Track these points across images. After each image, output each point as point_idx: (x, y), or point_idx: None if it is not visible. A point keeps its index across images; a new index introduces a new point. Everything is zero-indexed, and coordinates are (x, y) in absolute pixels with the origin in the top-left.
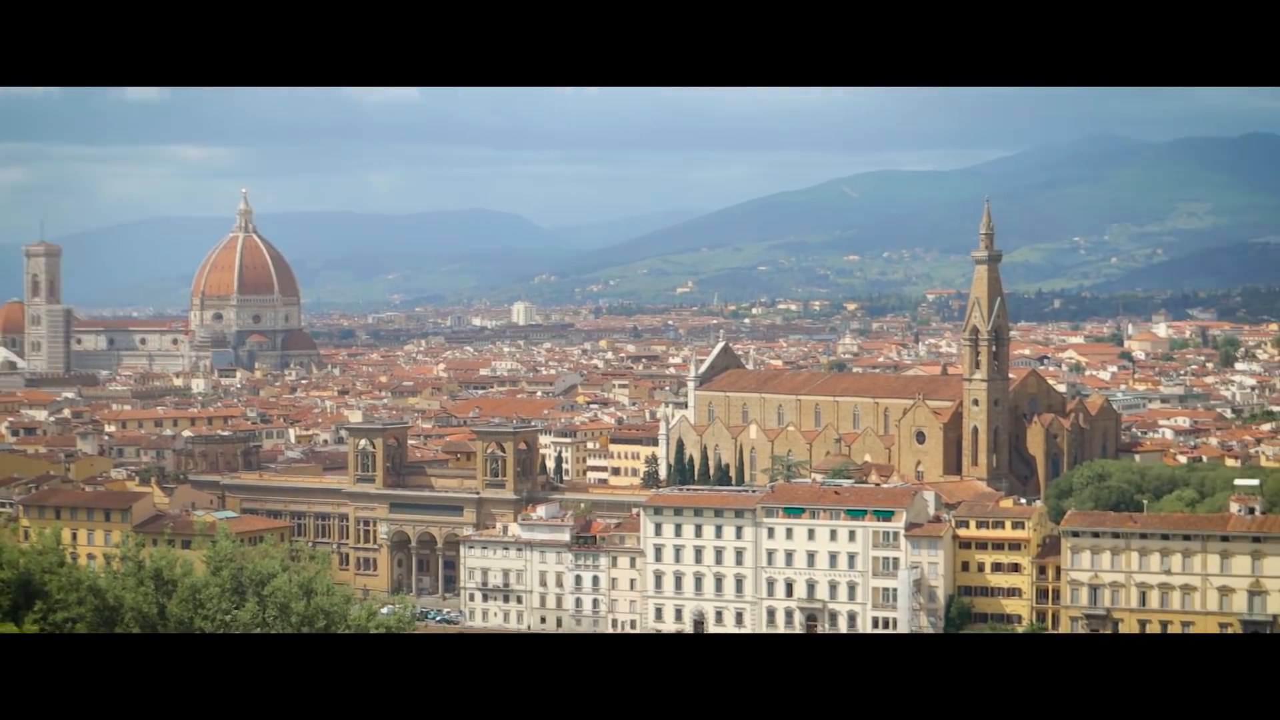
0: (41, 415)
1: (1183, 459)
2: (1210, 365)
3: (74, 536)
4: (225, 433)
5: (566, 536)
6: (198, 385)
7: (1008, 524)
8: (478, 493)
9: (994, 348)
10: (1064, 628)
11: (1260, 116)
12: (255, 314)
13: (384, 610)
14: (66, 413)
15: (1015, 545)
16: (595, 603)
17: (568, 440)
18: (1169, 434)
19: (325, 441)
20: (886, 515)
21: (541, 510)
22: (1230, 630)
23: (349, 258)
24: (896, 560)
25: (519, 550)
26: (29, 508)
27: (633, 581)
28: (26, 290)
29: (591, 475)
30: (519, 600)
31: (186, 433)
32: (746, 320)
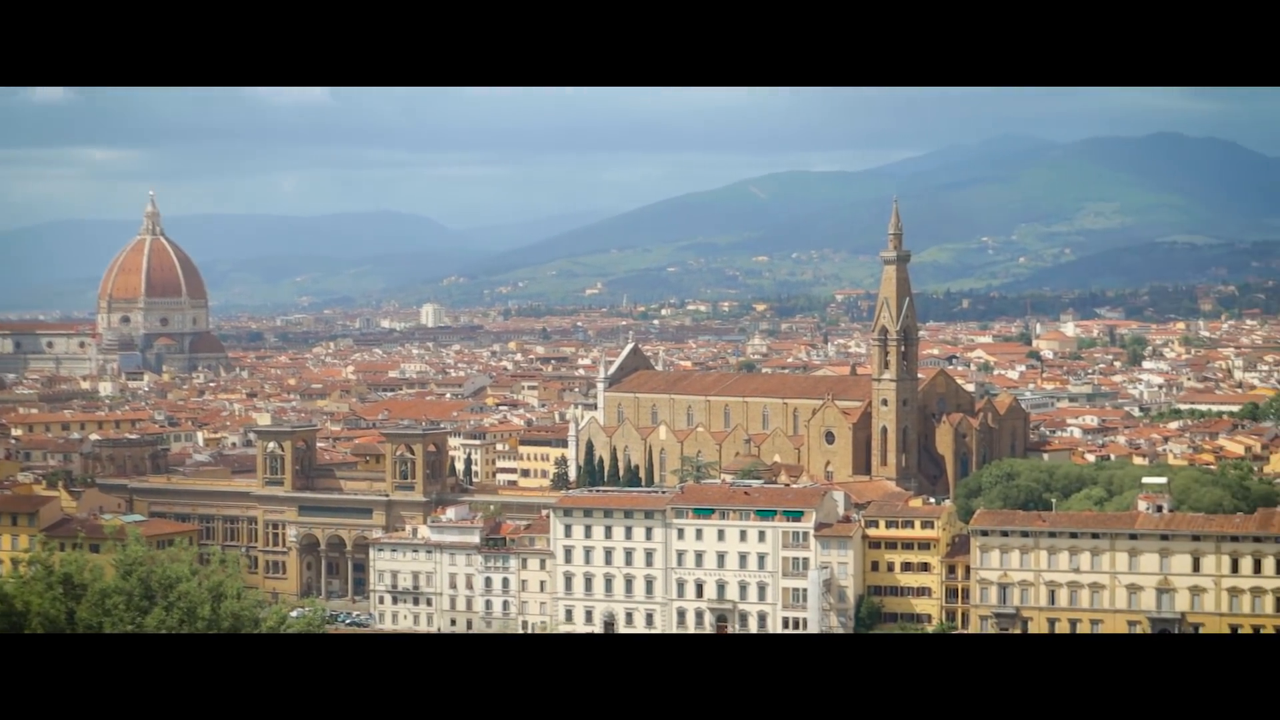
0: None
1: (1091, 458)
2: (1118, 364)
3: None
4: (133, 436)
5: (476, 538)
6: (105, 388)
7: (917, 524)
8: (387, 495)
9: (903, 348)
10: (973, 627)
11: (1167, 116)
12: (163, 317)
13: (293, 614)
14: None
15: (924, 545)
16: (505, 604)
17: (477, 442)
18: (1077, 433)
19: (234, 444)
20: (796, 516)
21: (451, 512)
22: (1139, 628)
23: (257, 260)
24: (806, 560)
25: (428, 552)
26: None
27: (543, 583)
28: None
29: (501, 477)
30: (429, 602)
31: (94, 436)
32: (656, 321)
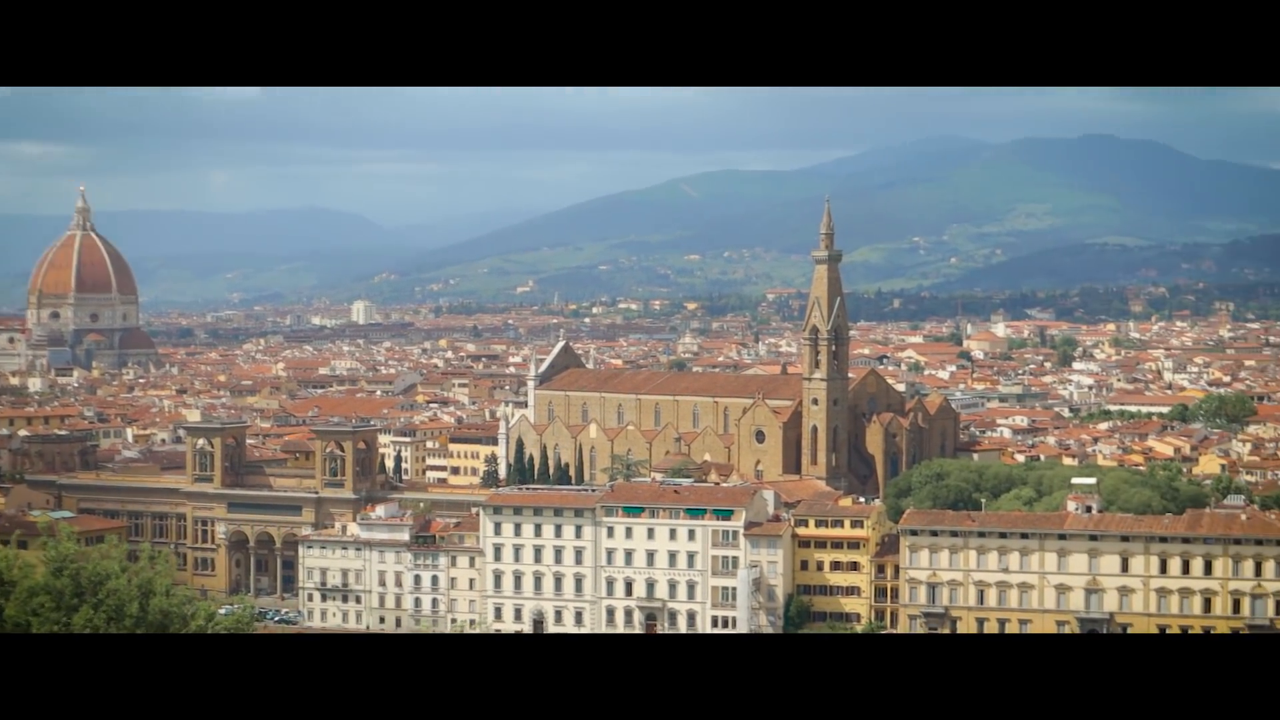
0: None
1: (1021, 458)
2: (1048, 365)
3: None
4: (62, 432)
5: (406, 536)
6: (34, 384)
7: (847, 523)
8: (316, 492)
9: (833, 347)
10: (902, 626)
11: (1098, 118)
12: (93, 312)
13: (222, 611)
14: None
15: (854, 544)
16: (434, 602)
17: (407, 439)
18: (1007, 433)
19: (163, 441)
20: (726, 514)
21: (380, 510)
22: (1068, 628)
23: (188, 256)
24: (736, 559)
25: (358, 550)
26: None
27: (472, 581)
28: None
29: (431, 474)
30: (358, 600)
31: (23, 432)
32: (587, 320)
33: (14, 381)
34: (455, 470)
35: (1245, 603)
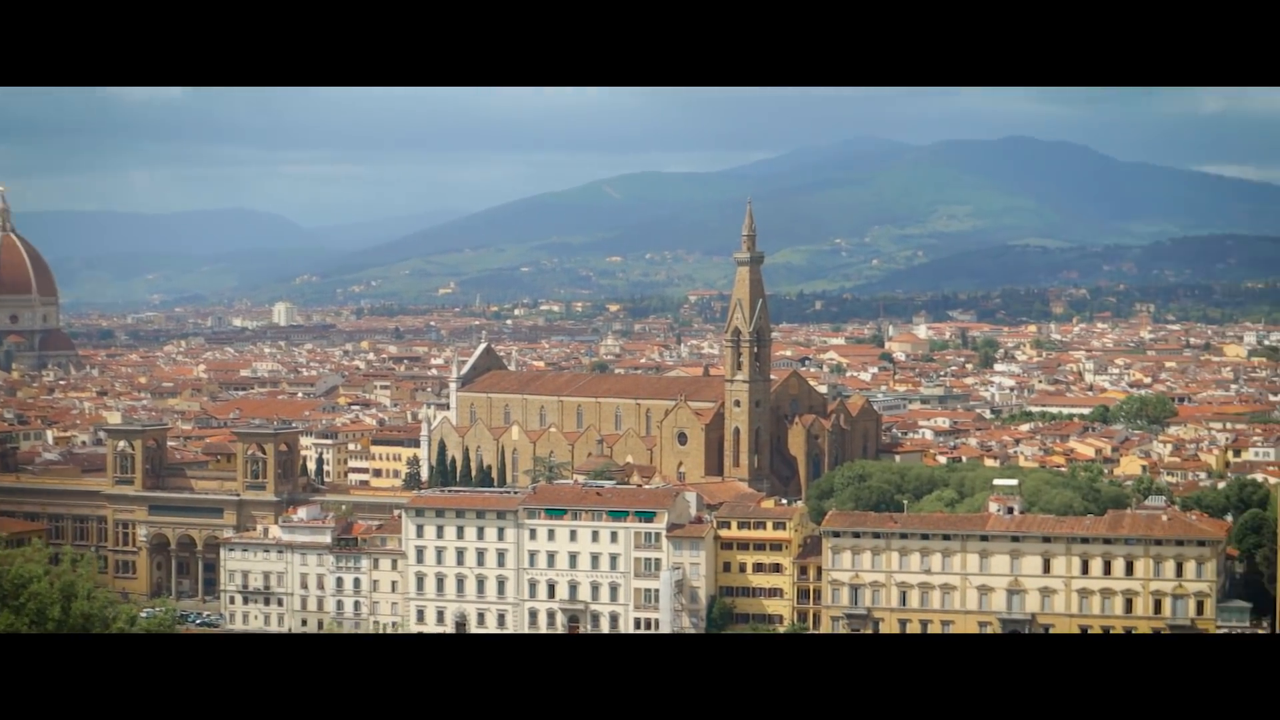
0: None
1: (942, 459)
2: (970, 366)
3: None
4: None
5: (328, 538)
6: None
7: (769, 525)
8: (238, 495)
9: (756, 349)
10: (825, 627)
11: (1019, 119)
12: (13, 314)
13: (143, 614)
14: None
15: (776, 546)
16: (357, 605)
17: (329, 442)
18: (929, 435)
19: (84, 443)
20: (648, 516)
21: (302, 512)
22: (990, 629)
23: (108, 257)
24: (658, 561)
25: (280, 552)
26: None
27: (394, 583)
28: None
29: (353, 477)
30: (280, 603)
31: None
32: (509, 321)
33: None
34: (377, 472)
35: (1166, 603)
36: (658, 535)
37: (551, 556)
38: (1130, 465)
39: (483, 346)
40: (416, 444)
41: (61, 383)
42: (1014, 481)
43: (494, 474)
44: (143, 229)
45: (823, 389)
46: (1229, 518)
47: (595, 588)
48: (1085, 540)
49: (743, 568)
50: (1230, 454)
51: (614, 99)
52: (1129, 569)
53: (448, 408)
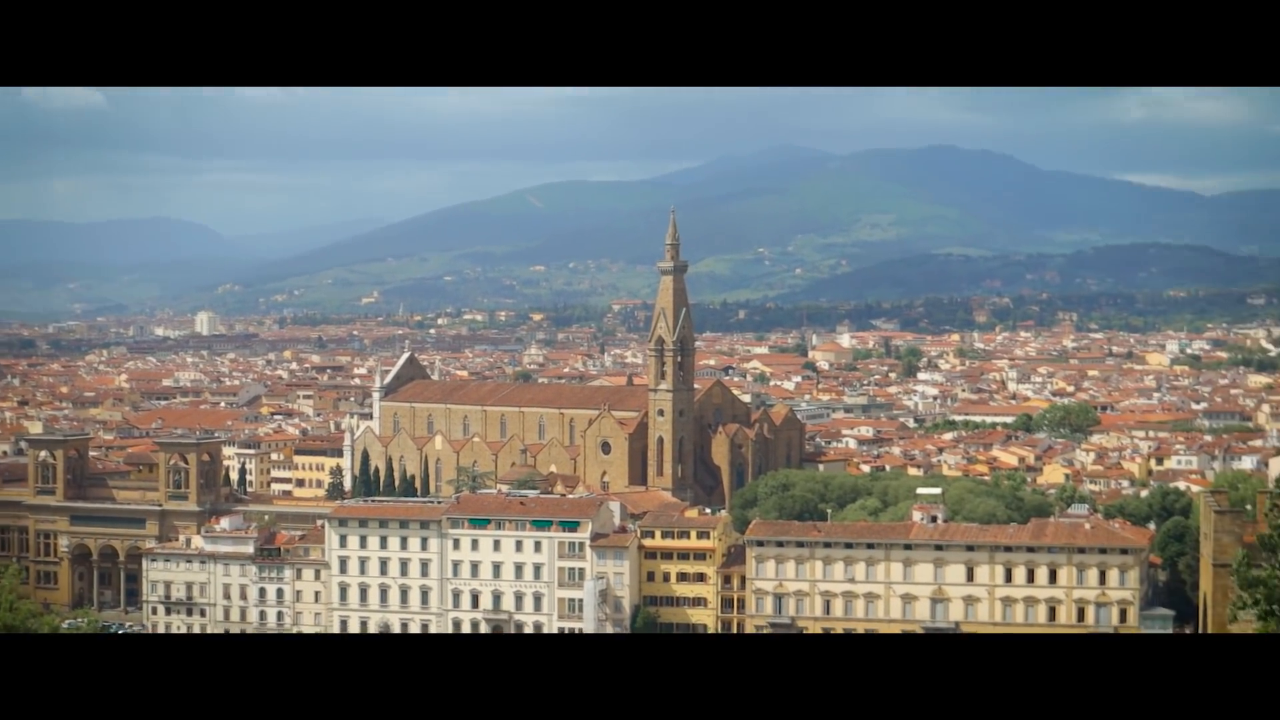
0: None
1: (866, 468)
2: (893, 375)
3: None
4: None
5: (250, 548)
6: None
7: (693, 534)
8: (160, 505)
9: (679, 358)
10: None
11: (941, 129)
12: None
13: (65, 625)
14: None
15: (700, 555)
16: (280, 615)
17: (252, 451)
18: (853, 444)
19: (4, 453)
20: (572, 526)
21: (225, 522)
22: None
23: (28, 266)
24: (582, 570)
25: (202, 563)
26: None
27: (317, 594)
28: None
29: (276, 486)
30: (202, 613)
31: None
32: (432, 331)
33: None
34: (300, 482)
35: (1090, 611)
36: (581, 545)
37: (475, 566)
38: (1053, 474)
39: (406, 356)
40: (340, 454)
41: None
42: (937, 490)
43: (417, 484)
44: (63, 238)
45: (746, 398)
46: (1151, 526)
47: (519, 597)
48: (1009, 549)
49: (666, 577)
50: (1153, 462)
51: (537, 108)
52: (1052, 577)
53: (371, 417)
